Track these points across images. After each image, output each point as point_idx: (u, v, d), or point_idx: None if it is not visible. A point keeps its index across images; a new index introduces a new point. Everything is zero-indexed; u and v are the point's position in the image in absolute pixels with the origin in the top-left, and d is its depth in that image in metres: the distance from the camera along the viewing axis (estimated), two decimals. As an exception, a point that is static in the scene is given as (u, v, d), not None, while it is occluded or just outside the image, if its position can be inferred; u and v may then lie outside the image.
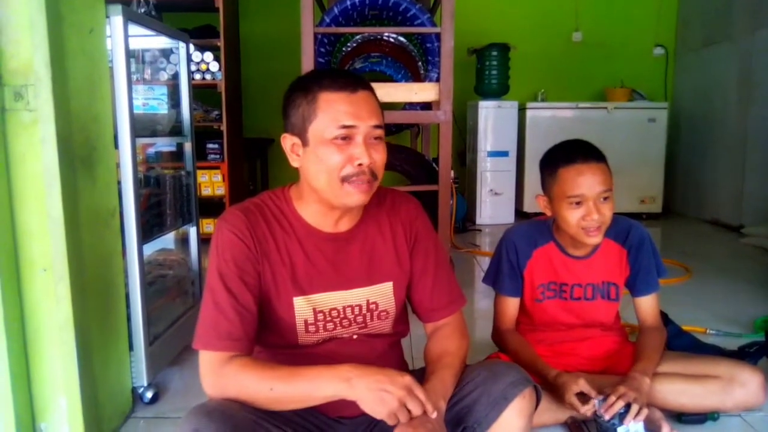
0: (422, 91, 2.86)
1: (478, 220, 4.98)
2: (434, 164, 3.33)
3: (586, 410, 1.54)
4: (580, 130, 4.47)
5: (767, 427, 1.70)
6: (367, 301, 1.28)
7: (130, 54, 1.72)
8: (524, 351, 1.74)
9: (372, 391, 1.04)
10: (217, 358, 1.13)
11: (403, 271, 1.32)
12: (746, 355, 1.99)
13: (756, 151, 4.42)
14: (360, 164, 1.15)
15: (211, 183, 4.24)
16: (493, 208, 4.97)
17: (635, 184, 4.98)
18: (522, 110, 5.01)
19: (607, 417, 1.53)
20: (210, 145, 4.22)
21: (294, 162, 1.22)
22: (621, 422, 1.52)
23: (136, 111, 1.78)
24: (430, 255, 1.35)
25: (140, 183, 1.88)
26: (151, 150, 2.51)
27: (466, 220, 4.87)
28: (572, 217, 1.62)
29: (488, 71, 4.90)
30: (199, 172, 4.18)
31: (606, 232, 1.75)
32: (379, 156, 1.19)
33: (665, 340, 1.80)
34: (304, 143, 1.18)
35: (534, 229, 1.83)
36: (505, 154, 4.95)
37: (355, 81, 1.18)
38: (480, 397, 1.18)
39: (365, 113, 1.16)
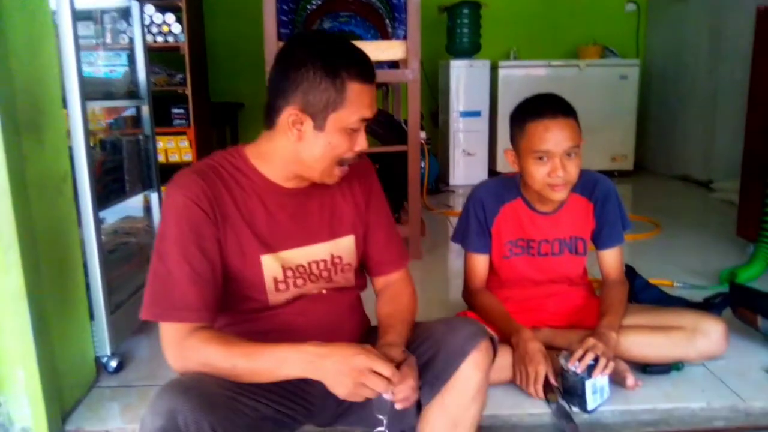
0: (389, 49, 2.79)
1: (452, 181, 4.96)
2: (405, 125, 3.29)
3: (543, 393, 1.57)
4: (553, 88, 4.37)
5: (729, 375, 1.73)
6: (332, 255, 1.29)
7: (76, 12, 1.63)
8: (494, 309, 1.74)
9: (332, 374, 1.05)
10: (178, 329, 1.10)
11: (362, 224, 1.35)
12: (711, 306, 2.02)
13: (725, 106, 4.43)
14: (358, 151, 1.20)
15: (178, 149, 4.15)
16: (467, 169, 4.95)
17: (607, 141, 4.99)
18: (494, 69, 4.95)
19: (576, 371, 1.53)
20: (175, 110, 4.12)
21: (290, 135, 1.16)
22: (589, 376, 1.53)
23: (93, 75, 1.70)
24: (382, 210, 1.40)
25: (95, 148, 1.82)
26: (112, 116, 2.43)
27: (439, 181, 4.84)
28: (538, 172, 1.60)
29: (459, 29, 4.81)
30: (164, 138, 4.10)
31: (573, 186, 1.74)
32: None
33: (628, 293, 1.81)
34: (318, 127, 1.15)
35: (501, 185, 1.81)
36: (477, 114, 4.91)
37: (373, 69, 1.19)
38: (438, 352, 1.18)
39: (374, 104, 1.19)
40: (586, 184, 1.76)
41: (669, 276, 2.53)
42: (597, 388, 1.55)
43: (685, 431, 1.54)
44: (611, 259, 1.81)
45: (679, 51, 5.08)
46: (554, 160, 1.58)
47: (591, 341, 1.55)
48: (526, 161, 1.63)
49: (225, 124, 5.14)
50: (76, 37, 1.63)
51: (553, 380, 1.59)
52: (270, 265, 1.21)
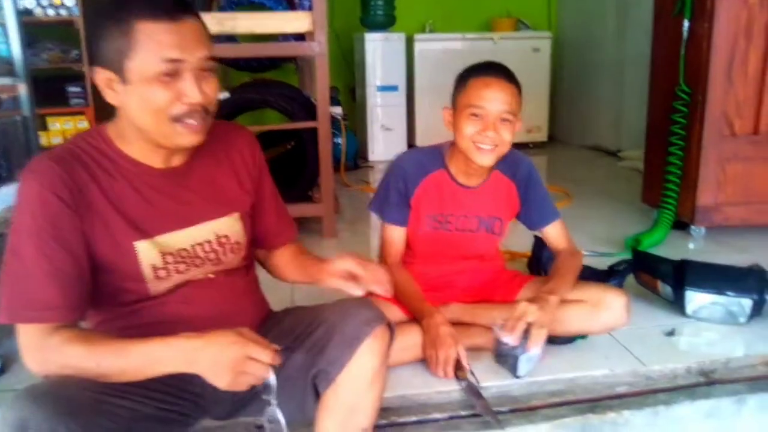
0: (295, 21, 2.68)
1: (371, 157, 4.90)
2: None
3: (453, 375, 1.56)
4: (468, 61, 4.40)
5: (631, 340, 1.78)
6: (217, 235, 1.21)
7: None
8: (407, 289, 1.70)
9: (209, 368, 0.99)
10: (37, 331, 1.01)
11: (248, 200, 1.28)
12: (615, 273, 2.07)
13: (632, 76, 4.55)
14: (191, 102, 1.05)
15: (77, 130, 3.88)
16: (386, 144, 4.90)
17: (522, 114, 5.00)
18: (410, 43, 4.89)
19: (511, 343, 1.51)
20: (71, 89, 3.83)
21: (111, 99, 1.07)
22: (524, 350, 1.51)
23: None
24: (270, 182, 1.36)
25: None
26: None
27: (358, 158, 4.78)
28: (468, 128, 1.58)
29: (373, 2, 4.72)
30: (61, 119, 3.82)
31: (496, 164, 1.71)
32: (212, 88, 1.09)
33: (536, 265, 1.81)
34: (124, 81, 1.04)
35: (426, 155, 1.76)
36: (394, 88, 4.85)
37: (177, 5, 1.04)
38: (332, 338, 1.14)
39: (192, 44, 1.04)
40: (509, 164, 1.75)
41: (578, 245, 2.54)
42: (530, 357, 1.55)
43: (589, 399, 1.55)
44: (554, 233, 1.80)
45: (589, 22, 5.18)
46: (487, 119, 1.56)
47: (522, 308, 1.50)
48: (460, 116, 1.60)
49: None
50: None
51: (464, 361, 1.58)
52: (146, 251, 1.12)
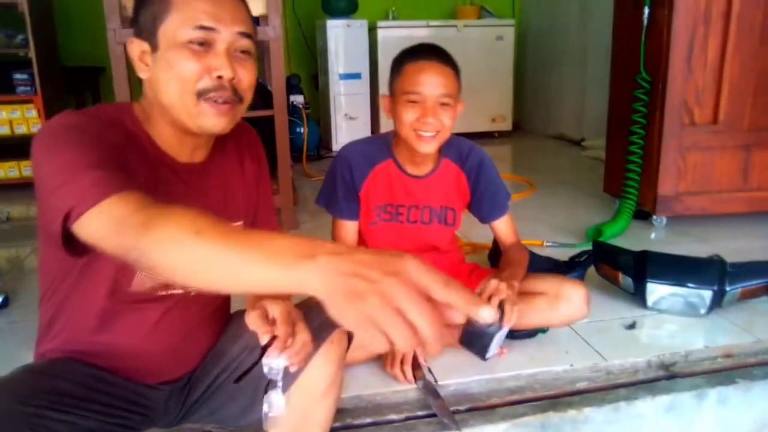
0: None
1: (334, 147, 4.81)
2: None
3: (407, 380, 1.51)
4: (431, 49, 4.34)
5: (592, 334, 1.75)
6: None
7: None
8: None
9: (339, 280, 0.56)
10: (125, 200, 0.80)
11: (251, 208, 1.18)
12: (576, 264, 2.04)
13: (594, 66, 4.55)
14: (220, 77, 0.95)
15: (25, 120, 3.70)
16: (349, 133, 4.81)
17: (486, 103, 5.02)
18: (372, 30, 4.81)
19: (489, 320, 1.46)
20: (17, 76, 3.64)
21: (142, 73, 0.99)
22: (499, 327, 1.47)
23: None
24: (269, 192, 1.24)
25: None
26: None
27: (320, 147, 4.69)
28: (407, 116, 1.50)
29: (335, -13, 4.62)
30: (7, 108, 3.64)
31: (446, 151, 1.65)
32: (247, 74, 0.99)
33: (496, 256, 1.77)
34: (154, 48, 0.96)
35: (372, 145, 1.68)
36: (357, 76, 4.76)
37: None
38: None
39: (230, 17, 0.96)
40: (459, 152, 1.68)
41: (540, 236, 2.55)
42: (501, 336, 1.51)
43: (549, 396, 1.51)
44: (502, 228, 1.75)
45: (552, 10, 5.16)
46: (425, 105, 1.48)
47: (493, 284, 1.47)
48: (398, 104, 1.52)
49: (84, 90, 4.67)
50: None
51: (421, 359, 1.53)
52: None
